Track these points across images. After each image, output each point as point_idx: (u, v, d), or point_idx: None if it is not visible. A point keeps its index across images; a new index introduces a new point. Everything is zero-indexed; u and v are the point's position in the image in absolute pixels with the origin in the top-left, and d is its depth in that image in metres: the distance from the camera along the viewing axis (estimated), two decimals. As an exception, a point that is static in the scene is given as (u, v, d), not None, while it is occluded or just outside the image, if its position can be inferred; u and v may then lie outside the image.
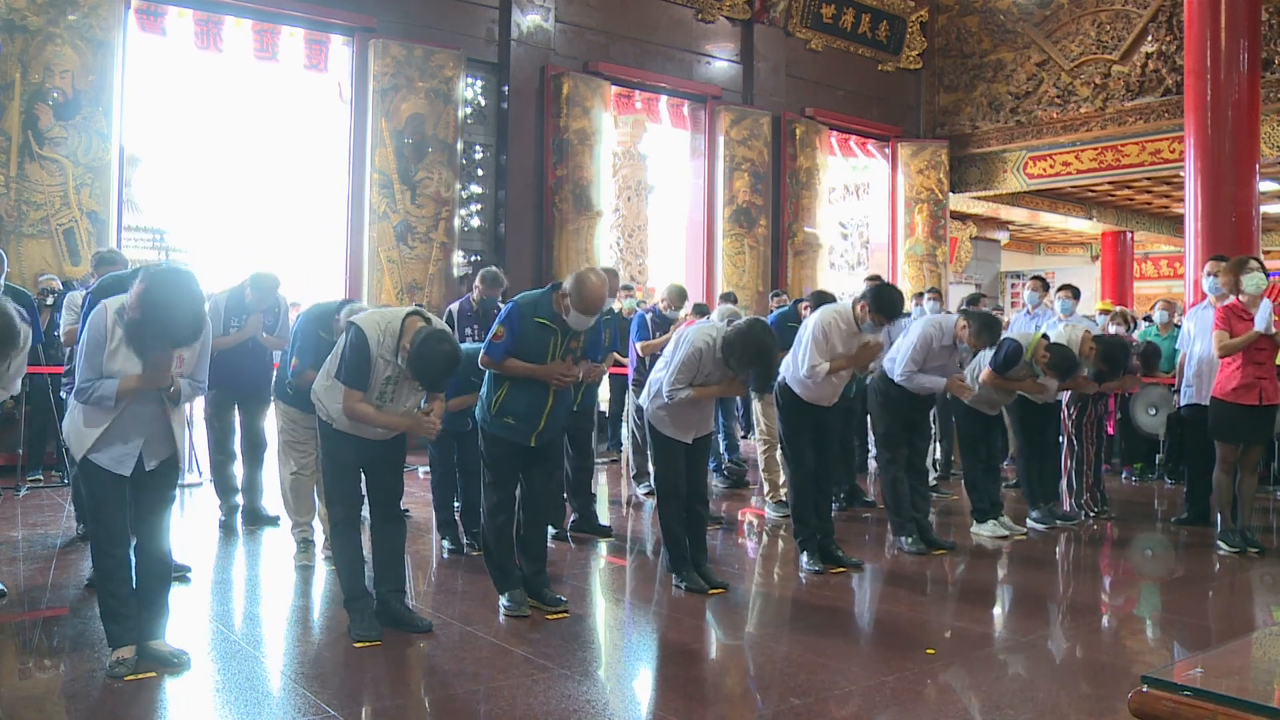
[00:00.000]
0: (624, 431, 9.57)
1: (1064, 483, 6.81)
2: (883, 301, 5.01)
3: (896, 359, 5.59)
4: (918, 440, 5.81)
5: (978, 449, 6.11)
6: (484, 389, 4.23)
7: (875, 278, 8.29)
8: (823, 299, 6.54)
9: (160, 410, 3.47)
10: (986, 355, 5.78)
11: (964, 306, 6.88)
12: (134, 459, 3.43)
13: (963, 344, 5.48)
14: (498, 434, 4.15)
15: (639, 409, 7.28)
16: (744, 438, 9.97)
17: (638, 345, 7.21)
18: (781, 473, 6.65)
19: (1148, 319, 9.64)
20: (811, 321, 5.13)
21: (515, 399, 4.08)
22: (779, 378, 5.23)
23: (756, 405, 6.76)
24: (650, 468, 7.44)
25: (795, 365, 5.11)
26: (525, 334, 4.01)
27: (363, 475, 3.98)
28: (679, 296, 7.54)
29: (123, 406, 3.37)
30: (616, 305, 9.67)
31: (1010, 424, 6.56)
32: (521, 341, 4.01)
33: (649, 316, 7.36)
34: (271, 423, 6.23)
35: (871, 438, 8.74)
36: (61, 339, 5.46)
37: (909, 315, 8.13)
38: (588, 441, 6.12)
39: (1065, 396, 6.63)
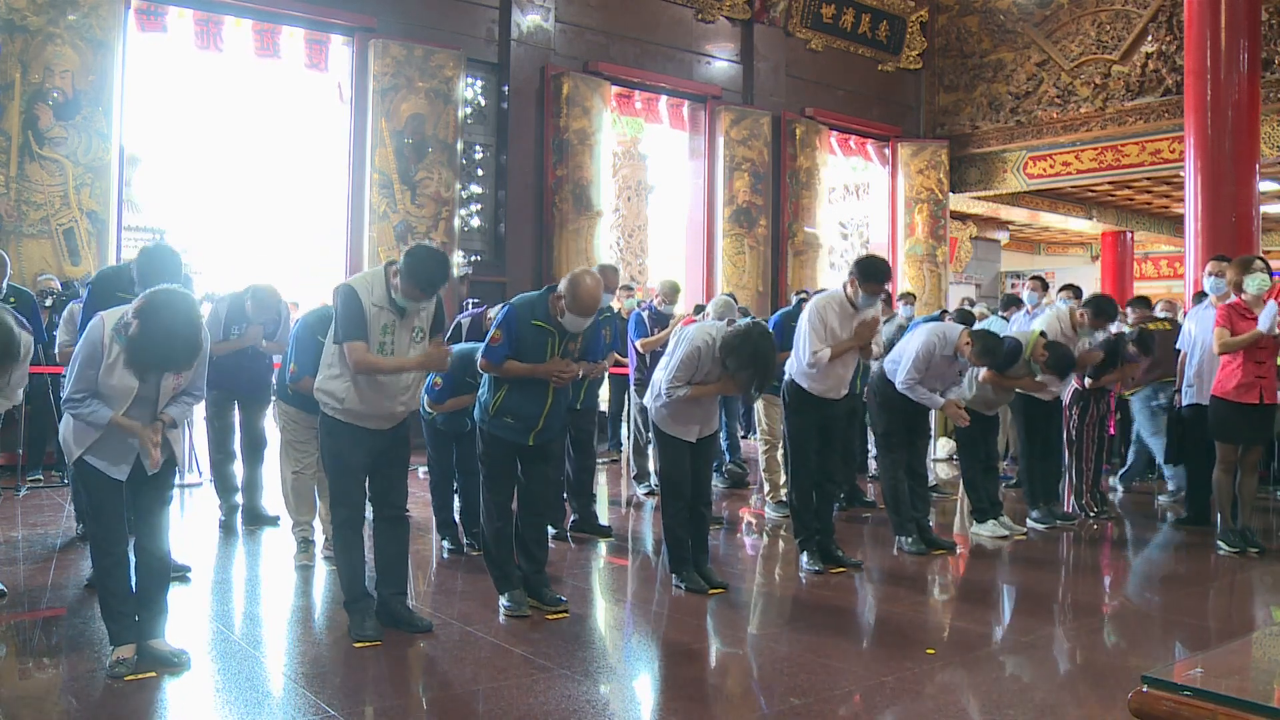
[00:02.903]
0: (624, 431, 9.58)
1: (1065, 482, 6.81)
2: (868, 269, 4.97)
3: (900, 364, 5.58)
4: (917, 440, 5.82)
5: (976, 449, 6.11)
6: (482, 391, 4.23)
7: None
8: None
9: (155, 420, 3.45)
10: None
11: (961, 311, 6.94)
12: (130, 465, 3.42)
13: (963, 357, 5.51)
14: (496, 433, 4.15)
15: (642, 409, 7.30)
16: (744, 437, 9.96)
17: (637, 343, 7.21)
18: (782, 473, 6.64)
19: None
20: (806, 310, 5.13)
21: (514, 399, 4.08)
22: (785, 376, 5.23)
23: (759, 405, 6.76)
24: (651, 467, 7.49)
25: (799, 359, 5.07)
26: (523, 337, 4.01)
27: (366, 477, 3.98)
28: (672, 291, 7.58)
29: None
30: (616, 305, 9.68)
31: (1014, 422, 6.57)
32: (519, 344, 4.01)
33: (645, 314, 7.37)
34: (271, 423, 6.24)
35: (872, 438, 8.77)
36: (57, 356, 5.45)
37: (897, 311, 8.12)
38: (590, 442, 6.11)
39: (1068, 395, 6.63)
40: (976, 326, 6.43)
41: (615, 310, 9.16)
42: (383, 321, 3.75)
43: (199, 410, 6.25)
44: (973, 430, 6.08)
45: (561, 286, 4.00)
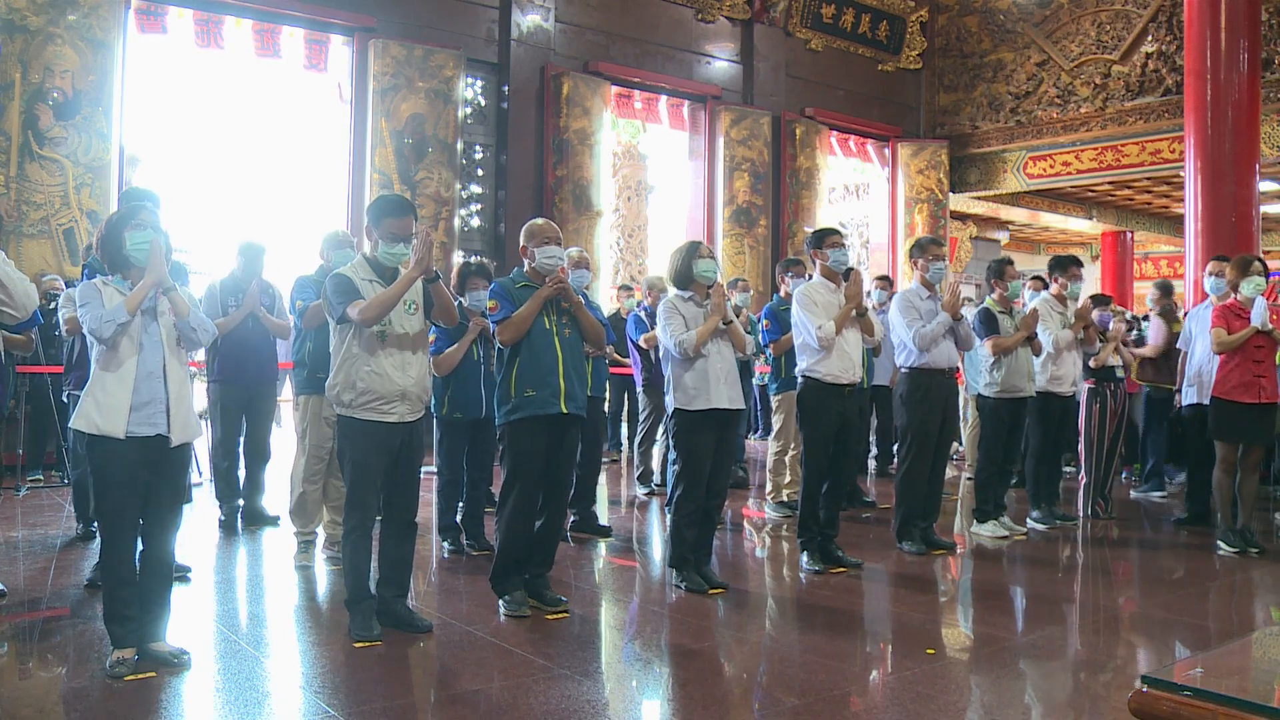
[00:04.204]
0: (624, 431, 9.59)
1: (1080, 483, 6.81)
2: (817, 235, 5.32)
3: (904, 341, 5.58)
4: (947, 440, 5.74)
5: (996, 451, 6.08)
6: (497, 388, 4.24)
7: (883, 278, 8.28)
8: (790, 266, 6.78)
9: (164, 384, 3.46)
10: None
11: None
12: (164, 418, 3.42)
13: (929, 273, 5.62)
14: (524, 415, 4.14)
15: (651, 413, 7.28)
16: (747, 437, 9.97)
17: (639, 340, 7.22)
18: (786, 474, 6.64)
19: (1146, 318, 9.63)
20: (794, 300, 5.24)
21: (527, 368, 4.15)
22: (797, 381, 5.23)
23: (779, 403, 6.74)
24: (655, 466, 7.49)
25: (809, 346, 5.09)
26: (515, 298, 4.20)
27: (381, 481, 3.97)
28: (659, 283, 7.56)
29: (134, 319, 3.39)
30: (616, 304, 9.68)
31: (1030, 420, 6.51)
32: (516, 305, 4.18)
33: (643, 313, 7.39)
34: (275, 433, 6.23)
35: (874, 438, 8.77)
36: (64, 330, 5.42)
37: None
38: (597, 448, 6.14)
39: (1084, 395, 6.63)
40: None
41: (615, 310, 9.18)
42: (375, 293, 3.82)
43: (200, 410, 6.25)
44: (999, 429, 6.06)
45: (521, 240, 4.33)
